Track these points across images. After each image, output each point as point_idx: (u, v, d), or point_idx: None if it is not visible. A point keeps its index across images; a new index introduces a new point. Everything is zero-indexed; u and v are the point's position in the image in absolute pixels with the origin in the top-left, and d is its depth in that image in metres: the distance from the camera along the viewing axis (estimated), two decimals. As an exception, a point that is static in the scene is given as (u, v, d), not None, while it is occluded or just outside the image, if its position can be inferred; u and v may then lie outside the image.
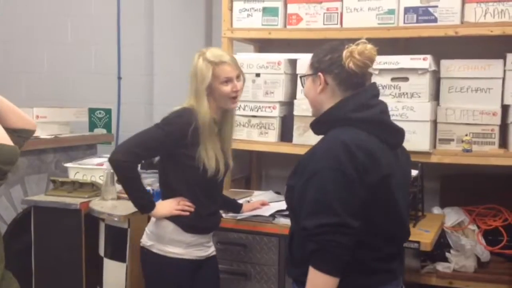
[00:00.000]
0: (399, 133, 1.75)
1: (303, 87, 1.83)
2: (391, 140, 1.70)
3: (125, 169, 2.14)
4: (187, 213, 2.15)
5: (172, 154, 2.15)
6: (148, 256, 2.20)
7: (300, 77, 1.86)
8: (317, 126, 1.76)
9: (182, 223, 2.16)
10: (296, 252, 1.71)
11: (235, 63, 2.19)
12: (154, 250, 2.17)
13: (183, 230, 2.16)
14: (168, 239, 2.16)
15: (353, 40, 1.68)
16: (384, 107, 1.72)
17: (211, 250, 2.29)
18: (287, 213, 2.49)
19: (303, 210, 1.59)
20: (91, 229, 2.74)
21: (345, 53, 1.65)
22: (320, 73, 1.70)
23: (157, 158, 2.43)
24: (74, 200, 2.77)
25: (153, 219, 2.23)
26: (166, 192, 2.23)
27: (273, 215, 2.48)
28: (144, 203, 2.18)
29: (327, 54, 1.71)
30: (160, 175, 2.26)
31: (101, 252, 2.69)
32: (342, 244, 1.53)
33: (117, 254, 2.60)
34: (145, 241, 2.22)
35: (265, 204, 2.57)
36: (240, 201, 2.57)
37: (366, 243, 1.61)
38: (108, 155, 3.17)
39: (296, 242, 1.71)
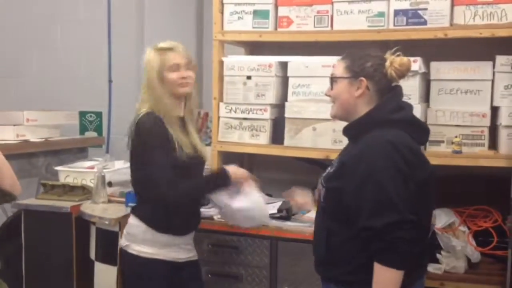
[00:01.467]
0: (427, 132, 1.90)
1: (331, 88, 1.89)
2: (421, 138, 1.86)
3: (185, 191, 2.11)
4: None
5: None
6: (125, 257, 2.21)
7: (332, 78, 1.90)
8: (355, 128, 1.83)
9: (153, 223, 2.15)
10: (338, 252, 1.77)
11: (185, 52, 2.21)
12: (130, 251, 2.18)
13: (155, 230, 2.15)
14: (142, 239, 2.16)
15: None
16: (411, 107, 1.86)
17: (191, 254, 2.27)
18: (278, 215, 2.51)
19: (364, 211, 1.67)
20: (82, 233, 2.73)
21: (388, 62, 1.79)
22: (362, 78, 1.79)
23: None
24: (64, 204, 2.77)
25: (129, 220, 2.22)
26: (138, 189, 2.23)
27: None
28: (220, 182, 2.20)
29: (369, 61, 1.80)
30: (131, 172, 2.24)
31: (92, 255, 2.68)
32: (409, 239, 1.64)
33: (108, 257, 2.59)
34: (123, 241, 2.22)
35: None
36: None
37: None
38: (99, 159, 3.18)
39: (336, 242, 1.77)
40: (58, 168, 3.06)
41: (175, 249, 2.19)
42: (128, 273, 2.24)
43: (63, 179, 3.02)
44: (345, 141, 2.67)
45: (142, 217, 2.17)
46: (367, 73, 1.80)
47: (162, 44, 2.20)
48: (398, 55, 1.82)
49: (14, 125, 3.16)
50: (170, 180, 2.06)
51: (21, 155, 3.16)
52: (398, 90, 1.85)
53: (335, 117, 1.91)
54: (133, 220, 2.20)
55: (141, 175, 2.15)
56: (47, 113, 3.41)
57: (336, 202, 1.78)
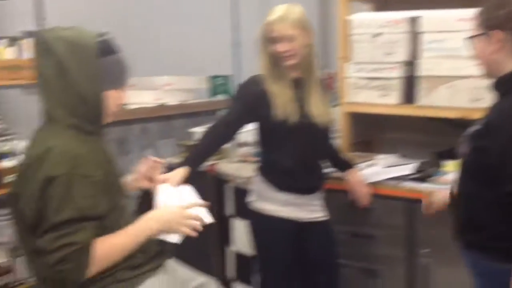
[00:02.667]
0: None
1: (474, 49, 1.76)
2: None
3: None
4: None
5: (255, 120, 2.27)
6: (251, 212, 2.29)
7: (468, 39, 1.77)
8: (504, 83, 1.69)
9: (275, 181, 2.20)
10: (481, 217, 1.69)
11: (290, 23, 2.14)
12: (255, 207, 2.26)
13: (277, 188, 2.20)
14: (266, 196, 2.22)
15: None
16: None
17: (318, 214, 2.29)
18: (413, 176, 2.46)
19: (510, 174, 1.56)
20: (217, 190, 2.88)
21: None
22: (493, 31, 1.64)
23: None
24: (201, 163, 2.92)
25: (255, 178, 2.30)
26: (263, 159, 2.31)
27: (399, 179, 2.44)
28: (185, 159, 2.23)
29: (498, 9, 1.63)
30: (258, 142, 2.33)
31: (228, 212, 2.82)
32: None
33: (243, 213, 2.71)
34: (249, 197, 2.31)
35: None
36: (362, 165, 2.55)
37: None
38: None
39: (478, 205, 1.69)
40: (193, 129, 3.23)
41: (297, 208, 2.23)
42: (254, 228, 2.32)
43: (197, 140, 3.18)
44: (486, 98, 2.54)
45: (264, 174, 2.25)
46: (498, 23, 1.63)
47: (271, 14, 2.18)
48: None
49: (153, 89, 3.37)
50: (217, 126, 2.20)
51: (161, 117, 3.38)
52: None
53: (485, 77, 1.77)
54: (258, 177, 2.28)
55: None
56: (181, 77, 3.59)
57: (479, 163, 1.67)
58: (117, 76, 1.65)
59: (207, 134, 2.23)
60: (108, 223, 1.58)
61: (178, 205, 1.75)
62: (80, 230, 1.48)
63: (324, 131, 2.29)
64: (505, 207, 1.60)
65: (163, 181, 1.96)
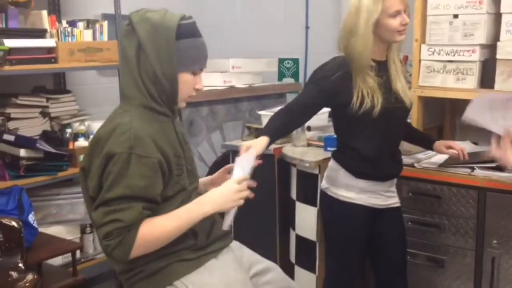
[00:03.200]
0: None
1: None
2: None
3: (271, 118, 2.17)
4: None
5: (333, 107, 2.18)
6: (324, 198, 2.26)
7: None
8: None
9: (351, 168, 2.15)
10: None
11: None
12: (329, 193, 2.22)
13: (353, 175, 2.14)
14: (341, 183, 2.17)
15: None
16: None
17: (392, 201, 2.23)
18: (487, 165, 2.34)
19: None
20: (283, 173, 2.88)
21: None
22: None
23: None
24: (268, 146, 2.93)
25: (329, 164, 2.26)
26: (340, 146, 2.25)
27: (472, 167, 2.34)
28: (261, 131, 2.13)
29: None
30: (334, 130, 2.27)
31: (293, 195, 2.82)
32: None
33: (308, 198, 2.70)
34: (323, 183, 2.27)
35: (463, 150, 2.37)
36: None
37: None
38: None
39: None
40: (261, 112, 3.23)
41: (373, 195, 2.18)
42: (327, 215, 2.30)
43: (265, 122, 3.18)
44: None
45: (341, 161, 2.20)
46: None
47: None
48: None
49: (221, 72, 3.41)
50: (293, 107, 2.12)
51: (228, 100, 3.41)
52: None
53: None
54: (333, 164, 2.23)
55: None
56: (250, 60, 3.60)
57: None
58: (193, 60, 1.63)
59: (282, 113, 2.16)
60: (172, 206, 1.61)
61: (229, 180, 1.71)
62: (128, 208, 1.50)
63: (406, 115, 2.22)
64: None
65: (247, 149, 1.91)
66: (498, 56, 2.56)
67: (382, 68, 2.13)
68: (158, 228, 1.55)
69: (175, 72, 1.60)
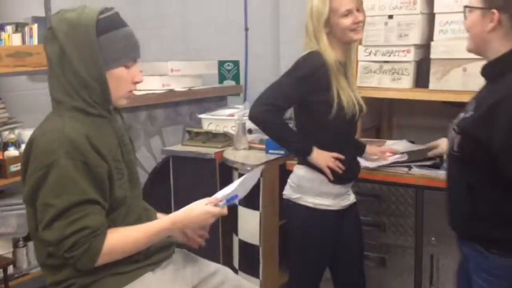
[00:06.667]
0: None
1: (465, 18, 1.68)
2: None
3: (267, 119, 2.08)
4: (337, 171, 2.10)
5: (305, 103, 2.09)
6: (294, 209, 2.17)
7: (465, 7, 1.69)
8: (494, 68, 1.62)
9: (332, 174, 2.11)
10: (482, 206, 1.61)
11: None
12: (301, 202, 2.14)
13: (331, 182, 2.12)
14: (318, 191, 2.12)
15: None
16: None
17: (352, 198, 2.25)
18: (424, 163, 2.38)
19: None
20: (225, 177, 2.83)
21: None
22: (494, 10, 1.56)
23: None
24: (208, 150, 2.88)
25: (298, 171, 2.17)
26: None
27: (409, 166, 2.37)
28: (303, 146, 2.11)
29: None
30: (296, 128, 2.21)
31: (235, 200, 2.77)
32: None
33: (250, 202, 2.67)
34: (290, 193, 2.18)
35: (393, 152, 2.44)
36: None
37: None
38: (239, 106, 3.26)
39: (479, 195, 1.61)
40: (202, 116, 3.18)
41: (342, 198, 2.18)
42: (297, 224, 2.19)
43: (206, 126, 3.14)
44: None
45: (314, 168, 2.12)
46: (500, 4, 1.54)
47: None
48: None
49: (160, 75, 3.32)
50: (268, 104, 2.04)
51: (168, 104, 3.33)
52: None
53: (470, 50, 1.70)
54: (306, 173, 2.14)
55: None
56: (189, 63, 3.53)
57: (475, 151, 1.58)
58: (121, 53, 1.53)
59: (280, 117, 2.11)
60: (119, 215, 1.55)
61: (202, 204, 1.66)
62: (91, 213, 1.45)
63: (359, 117, 2.21)
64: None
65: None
66: (432, 56, 2.62)
67: (344, 69, 2.12)
68: (125, 238, 1.51)
69: (102, 71, 1.51)
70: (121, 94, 1.58)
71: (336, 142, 2.11)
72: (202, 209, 1.63)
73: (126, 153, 1.62)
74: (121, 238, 1.51)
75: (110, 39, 1.51)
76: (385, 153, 2.42)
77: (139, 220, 1.61)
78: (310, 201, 2.13)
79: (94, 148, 1.47)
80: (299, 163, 2.19)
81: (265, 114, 2.07)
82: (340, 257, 2.25)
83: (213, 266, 1.82)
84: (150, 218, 1.70)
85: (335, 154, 2.10)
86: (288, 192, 2.20)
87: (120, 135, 1.62)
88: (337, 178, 2.12)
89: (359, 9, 2.08)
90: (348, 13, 2.04)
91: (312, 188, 2.13)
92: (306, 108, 2.11)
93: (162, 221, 1.60)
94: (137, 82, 1.60)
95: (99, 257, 1.46)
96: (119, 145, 1.59)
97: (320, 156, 2.09)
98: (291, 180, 2.20)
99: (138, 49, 1.59)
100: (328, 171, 2.08)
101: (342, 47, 2.11)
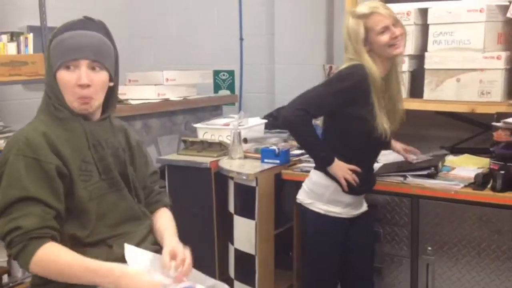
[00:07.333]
0: None
1: None
2: None
3: (298, 123, 2.11)
4: (352, 183, 2.14)
5: (340, 113, 2.11)
6: (307, 214, 2.25)
7: None
8: None
9: (347, 184, 2.16)
10: None
11: (388, 10, 2.09)
12: (314, 209, 2.21)
13: (344, 191, 2.17)
14: (329, 198, 2.18)
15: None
16: None
17: (364, 206, 2.30)
18: (420, 173, 2.39)
19: None
20: (220, 186, 2.83)
21: None
22: None
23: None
24: (204, 159, 2.88)
25: (313, 177, 2.23)
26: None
27: (404, 175, 2.38)
28: (325, 155, 2.15)
29: None
30: (323, 137, 2.23)
31: (231, 209, 2.77)
32: None
33: (246, 211, 2.66)
34: (304, 198, 2.26)
35: (415, 152, 2.48)
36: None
37: None
38: (235, 116, 3.26)
39: None
40: (197, 125, 3.18)
41: (353, 207, 2.24)
42: (311, 230, 2.28)
43: (201, 135, 3.14)
44: (494, 92, 2.46)
45: (332, 177, 2.17)
46: None
47: (363, 9, 2.09)
48: None
49: (155, 84, 3.32)
50: (302, 109, 2.06)
51: (163, 113, 3.33)
52: None
53: None
54: (321, 179, 2.20)
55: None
56: (184, 72, 3.54)
57: None
58: (60, 55, 1.56)
59: (310, 123, 2.13)
60: (86, 216, 1.54)
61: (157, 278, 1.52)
62: (27, 215, 1.45)
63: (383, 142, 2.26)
64: None
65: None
66: (426, 66, 2.65)
67: (384, 85, 2.14)
68: (58, 256, 1.45)
69: (50, 75, 1.59)
70: (70, 97, 1.58)
71: (356, 155, 2.16)
72: (154, 279, 1.49)
73: (102, 157, 1.61)
74: (54, 253, 1.45)
75: (55, 42, 1.58)
76: (408, 152, 2.46)
77: (121, 223, 1.61)
78: (321, 207, 2.19)
79: (50, 146, 1.51)
80: (316, 168, 2.24)
81: (297, 119, 2.10)
82: (350, 263, 2.30)
83: (210, 281, 1.80)
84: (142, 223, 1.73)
85: (352, 167, 2.14)
86: (301, 197, 2.27)
87: (96, 139, 1.60)
88: (351, 189, 2.17)
89: (395, 24, 2.10)
90: (385, 30, 2.06)
91: (324, 195, 2.19)
92: (338, 118, 2.13)
93: (108, 263, 1.48)
94: (81, 85, 1.55)
95: (30, 263, 1.44)
96: (95, 147, 1.60)
97: (338, 167, 2.13)
98: (305, 184, 2.27)
99: (81, 50, 1.56)
100: (344, 183, 2.14)
101: (384, 62, 2.13)
